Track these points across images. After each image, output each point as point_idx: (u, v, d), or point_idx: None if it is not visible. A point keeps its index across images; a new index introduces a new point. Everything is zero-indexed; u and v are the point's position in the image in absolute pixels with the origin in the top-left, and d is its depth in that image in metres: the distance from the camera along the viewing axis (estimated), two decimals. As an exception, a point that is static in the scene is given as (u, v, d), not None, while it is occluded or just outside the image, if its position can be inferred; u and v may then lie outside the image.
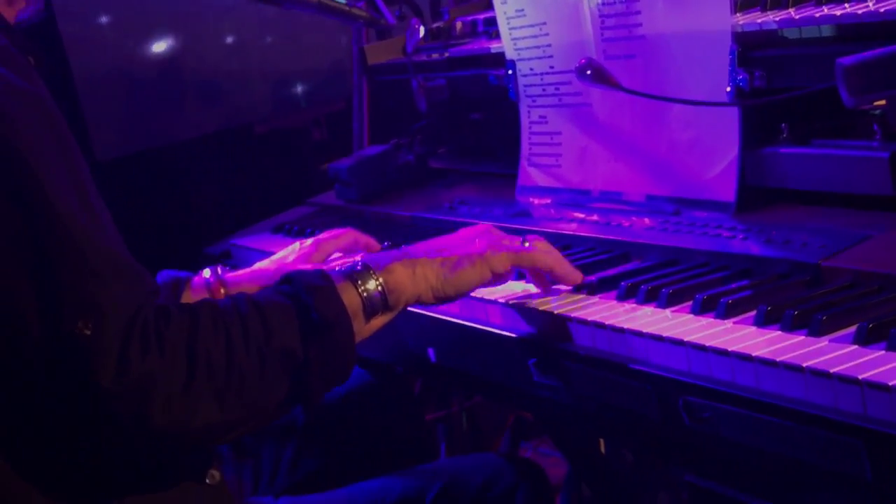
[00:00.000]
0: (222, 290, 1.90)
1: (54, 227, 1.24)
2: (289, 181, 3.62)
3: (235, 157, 3.62)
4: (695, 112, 1.91)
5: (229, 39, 3.64)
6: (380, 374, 2.27)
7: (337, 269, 1.48)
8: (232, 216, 3.37)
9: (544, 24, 2.19)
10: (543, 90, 2.24)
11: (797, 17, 1.76)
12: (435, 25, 2.71)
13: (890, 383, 1.18)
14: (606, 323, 1.54)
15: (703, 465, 1.52)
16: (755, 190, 1.85)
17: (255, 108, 3.71)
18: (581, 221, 2.05)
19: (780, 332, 1.39)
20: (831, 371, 1.24)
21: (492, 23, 2.53)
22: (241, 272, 1.97)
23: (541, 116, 2.26)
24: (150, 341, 1.25)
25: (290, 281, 1.42)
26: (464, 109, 2.60)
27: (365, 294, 1.46)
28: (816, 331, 1.35)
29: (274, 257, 2.03)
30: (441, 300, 1.55)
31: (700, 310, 1.51)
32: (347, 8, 2.37)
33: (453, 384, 2.88)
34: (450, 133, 2.66)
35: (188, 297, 1.89)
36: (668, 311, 1.55)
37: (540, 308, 1.66)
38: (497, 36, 2.40)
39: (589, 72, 1.90)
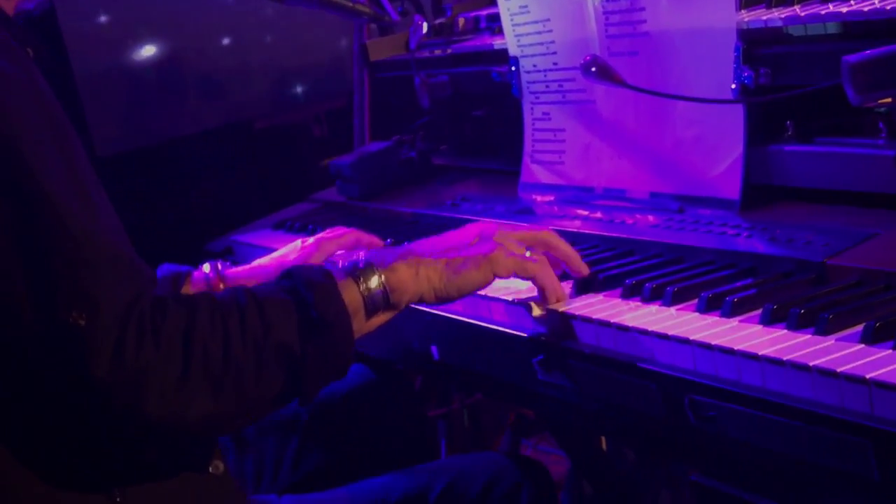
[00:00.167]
0: (221, 286, 1.90)
1: (48, 216, 1.23)
2: (289, 177, 3.61)
3: (236, 153, 3.61)
4: (699, 109, 1.91)
5: (230, 35, 3.63)
6: (382, 371, 2.27)
7: (340, 265, 1.47)
8: (232, 212, 3.36)
9: (548, 20, 2.18)
10: (547, 87, 2.23)
11: (802, 14, 1.76)
12: (437, 21, 2.70)
13: (898, 383, 1.17)
14: (611, 321, 1.54)
15: (709, 464, 1.51)
16: (760, 188, 1.84)
17: (255, 104, 3.70)
18: (585, 219, 2.04)
19: (786, 331, 1.38)
20: (838, 370, 1.23)
21: (494, 19, 2.52)
22: (240, 268, 1.97)
23: (544, 113, 2.25)
24: (145, 333, 1.24)
25: (291, 276, 1.41)
26: (466, 106, 2.60)
27: (367, 292, 1.45)
28: (823, 330, 1.35)
29: (274, 254, 2.02)
30: (443, 300, 1.54)
31: (705, 308, 1.51)
32: (351, 4, 2.36)
33: (456, 382, 2.86)
34: (452, 130, 2.66)
35: (187, 292, 1.88)
36: (673, 310, 1.54)
37: (545, 306, 1.65)
38: (500, 32, 2.40)
39: (594, 68, 1.89)
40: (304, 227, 2.46)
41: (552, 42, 2.19)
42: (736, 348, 1.35)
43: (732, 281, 1.60)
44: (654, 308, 1.57)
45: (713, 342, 1.39)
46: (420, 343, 1.93)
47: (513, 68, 2.28)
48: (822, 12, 1.72)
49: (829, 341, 1.32)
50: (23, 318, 1.21)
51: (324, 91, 3.76)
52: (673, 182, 1.97)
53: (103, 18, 3.40)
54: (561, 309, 1.62)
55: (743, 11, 1.88)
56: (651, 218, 1.94)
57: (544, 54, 2.21)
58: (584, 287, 1.69)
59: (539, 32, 2.21)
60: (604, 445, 2.56)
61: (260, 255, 2.04)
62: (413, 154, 2.60)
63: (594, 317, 1.57)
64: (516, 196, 2.28)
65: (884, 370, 1.21)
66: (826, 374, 1.24)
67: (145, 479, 1.40)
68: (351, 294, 1.43)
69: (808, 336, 1.35)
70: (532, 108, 2.28)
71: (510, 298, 1.70)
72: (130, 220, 1.39)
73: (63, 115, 1.33)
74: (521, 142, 2.30)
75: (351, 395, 2.19)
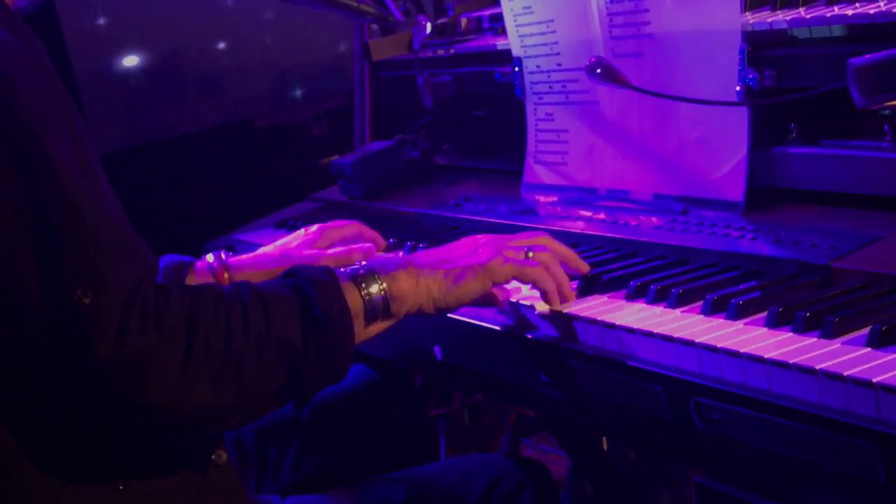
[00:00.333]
0: (226, 275, 1.90)
1: (58, 193, 1.23)
2: (289, 175, 3.61)
3: (236, 151, 3.62)
4: (703, 111, 1.91)
5: (229, 33, 3.63)
6: (384, 371, 2.27)
7: (341, 270, 1.48)
8: (232, 210, 3.36)
9: (552, 21, 2.18)
10: (550, 87, 2.23)
11: (807, 16, 1.76)
12: (439, 21, 2.70)
13: (905, 387, 1.17)
14: (616, 323, 1.53)
15: (714, 466, 1.51)
16: (764, 190, 1.84)
17: (255, 102, 3.70)
18: (588, 220, 2.04)
19: (791, 334, 1.38)
20: (845, 374, 1.23)
21: (497, 19, 2.52)
22: (244, 256, 1.98)
23: (547, 114, 2.25)
24: (149, 318, 1.24)
25: (295, 274, 1.42)
26: (469, 106, 2.60)
27: (367, 297, 1.46)
28: (829, 333, 1.34)
29: (278, 242, 2.04)
30: (442, 311, 1.55)
31: (711, 310, 1.50)
32: (356, 4, 2.36)
33: (459, 382, 2.87)
34: (454, 129, 2.65)
35: (191, 281, 1.89)
36: (678, 311, 1.54)
37: (548, 308, 1.65)
38: (503, 32, 2.40)
39: (599, 70, 1.89)
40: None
41: (556, 43, 2.19)
42: (742, 351, 1.35)
43: (737, 283, 1.60)
44: (658, 310, 1.57)
45: (719, 345, 1.39)
46: (423, 343, 1.93)
47: (516, 69, 2.28)
48: (828, 15, 1.72)
49: (836, 345, 1.32)
50: (28, 295, 1.21)
51: (323, 89, 3.76)
52: (677, 183, 1.97)
53: (103, 17, 3.40)
54: (565, 310, 1.62)
55: (748, 13, 1.88)
56: (655, 219, 1.94)
57: (548, 55, 2.21)
58: (588, 288, 1.69)
59: (543, 33, 2.21)
60: (605, 445, 2.57)
61: (262, 255, 2.04)
62: (415, 154, 2.60)
63: (599, 318, 1.57)
64: (519, 196, 2.28)
65: (890, 374, 1.21)
66: (833, 377, 1.24)
67: (148, 468, 1.40)
68: (353, 297, 1.44)
69: (814, 339, 1.35)
70: (535, 109, 2.28)
71: (514, 299, 1.70)
72: (130, 218, 1.39)
73: (68, 93, 1.33)
74: (523, 142, 2.30)
75: (352, 395, 2.19)
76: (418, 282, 1.51)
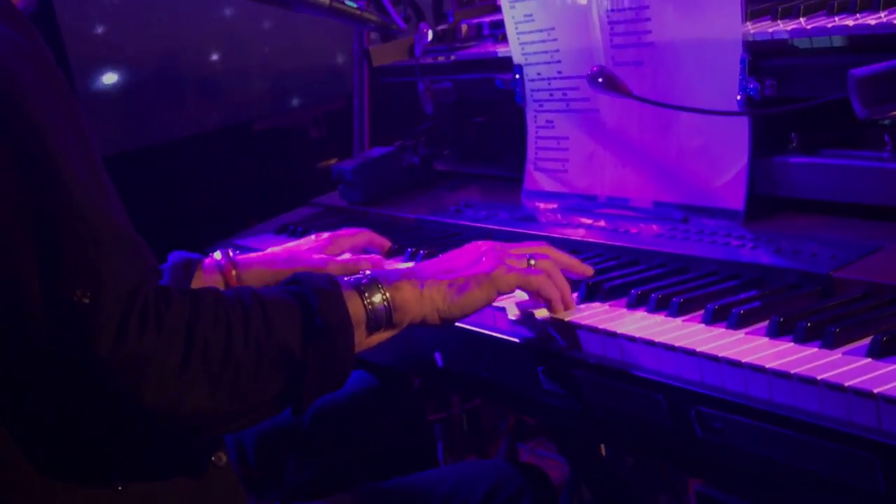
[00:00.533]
0: (234, 272, 1.90)
1: (60, 192, 1.23)
2: (287, 179, 3.62)
3: (234, 154, 3.62)
4: (704, 119, 1.91)
5: (228, 37, 3.64)
6: (385, 378, 2.27)
7: (345, 279, 1.48)
8: (229, 213, 3.37)
9: (553, 29, 2.19)
10: (551, 95, 2.24)
11: (808, 27, 1.76)
12: (440, 28, 2.70)
13: (906, 398, 1.18)
14: (618, 332, 1.54)
15: (715, 475, 1.52)
16: (764, 198, 1.85)
17: (254, 105, 3.71)
18: (588, 227, 2.05)
19: (792, 344, 1.39)
20: (846, 384, 1.24)
21: (497, 26, 2.53)
22: (252, 255, 1.98)
23: (548, 121, 2.26)
24: (148, 319, 1.24)
25: (298, 282, 1.42)
26: (469, 112, 2.60)
27: (370, 307, 1.46)
28: (830, 343, 1.35)
29: (288, 244, 2.04)
30: (447, 321, 1.55)
31: (712, 320, 1.51)
32: (359, 12, 2.37)
33: (460, 389, 2.87)
34: (455, 136, 2.66)
35: (200, 279, 1.89)
36: (679, 320, 1.55)
37: (549, 315, 1.65)
38: (503, 39, 2.41)
39: (601, 79, 1.90)
40: (306, 232, 2.46)
41: (556, 51, 2.20)
42: (743, 361, 1.36)
43: (738, 292, 1.61)
44: (660, 318, 1.57)
45: (720, 354, 1.39)
46: (424, 350, 1.94)
47: (517, 76, 2.29)
48: (828, 25, 1.73)
49: (836, 355, 1.33)
50: (28, 293, 1.21)
51: (322, 93, 3.77)
52: (677, 191, 1.97)
53: (102, 21, 3.40)
54: (567, 318, 1.63)
55: (749, 23, 1.88)
56: (655, 227, 1.94)
57: (548, 63, 2.22)
58: (589, 296, 1.70)
59: (543, 41, 2.21)
60: (603, 451, 2.57)
61: (262, 260, 2.04)
62: (416, 159, 2.60)
63: (600, 327, 1.57)
64: (519, 203, 2.29)
65: (891, 385, 1.22)
66: (834, 388, 1.25)
67: (147, 469, 1.39)
68: (355, 306, 1.44)
69: (815, 349, 1.36)
70: (536, 116, 2.29)
71: (515, 307, 1.70)
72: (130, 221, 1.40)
73: (72, 92, 1.33)
74: (524, 149, 2.30)
75: (353, 401, 2.20)
76: (422, 292, 1.51)
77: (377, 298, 1.47)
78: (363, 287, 1.47)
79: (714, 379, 1.40)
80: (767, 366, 1.33)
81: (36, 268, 1.21)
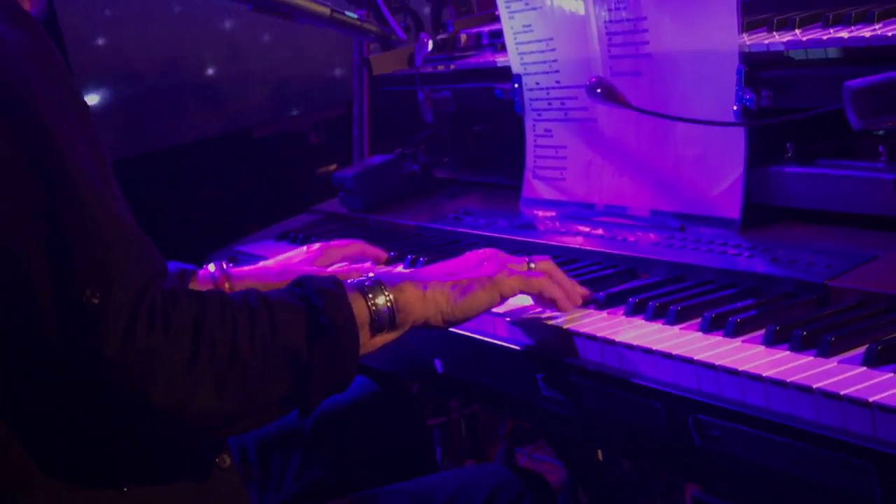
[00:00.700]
0: (227, 285, 1.92)
1: (70, 192, 1.24)
2: (286, 185, 3.63)
3: (235, 160, 3.64)
4: (701, 130, 1.93)
5: (229, 43, 3.65)
6: (385, 383, 2.29)
7: (349, 280, 1.50)
8: (229, 219, 3.39)
9: (551, 39, 2.21)
10: (549, 104, 2.26)
11: (804, 38, 1.79)
12: (439, 37, 2.72)
13: (900, 407, 1.20)
14: (615, 339, 1.56)
15: (712, 483, 1.54)
16: (760, 208, 1.87)
17: (254, 112, 3.72)
18: (586, 235, 2.07)
19: (788, 353, 1.41)
20: (842, 393, 1.26)
21: (496, 35, 2.55)
22: (245, 268, 2.00)
23: (546, 130, 2.28)
24: (156, 318, 1.25)
25: (302, 284, 1.43)
26: (468, 121, 2.63)
27: (374, 308, 1.47)
28: (825, 351, 1.37)
29: (279, 257, 2.06)
30: (450, 324, 1.57)
31: (709, 328, 1.53)
32: (359, 23, 2.39)
33: (459, 395, 2.89)
34: (454, 144, 2.68)
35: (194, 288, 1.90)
36: (676, 328, 1.57)
37: (548, 323, 1.67)
38: (502, 49, 2.43)
39: (599, 90, 1.92)
40: (307, 239, 2.48)
41: (555, 61, 2.22)
42: (740, 369, 1.38)
43: (735, 301, 1.63)
44: (657, 326, 1.59)
45: (717, 362, 1.41)
46: (424, 356, 1.95)
47: (516, 85, 2.31)
48: (824, 37, 1.75)
49: (832, 363, 1.35)
50: (38, 293, 1.22)
51: (321, 100, 3.78)
52: (674, 200, 2.00)
53: (104, 28, 3.42)
54: (565, 326, 1.65)
55: (745, 35, 1.90)
56: (652, 235, 1.96)
57: (547, 72, 2.24)
58: (587, 304, 1.72)
59: (542, 51, 2.24)
60: (600, 456, 2.59)
61: (263, 267, 2.07)
62: (415, 167, 2.62)
63: (598, 335, 1.59)
64: (518, 210, 2.31)
65: (886, 393, 1.24)
66: (829, 396, 1.27)
67: (151, 471, 1.40)
68: (359, 307, 1.46)
69: (811, 358, 1.38)
70: (534, 125, 2.31)
71: (513, 314, 1.72)
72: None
73: (84, 100, 1.35)
74: (522, 157, 2.32)
75: (354, 406, 2.21)
76: (425, 294, 1.52)
77: (381, 300, 1.48)
78: (367, 288, 1.48)
79: (711, 387, 1.42)
80: (764, 374, 1.35)
81: (45, 268, 1.22)
